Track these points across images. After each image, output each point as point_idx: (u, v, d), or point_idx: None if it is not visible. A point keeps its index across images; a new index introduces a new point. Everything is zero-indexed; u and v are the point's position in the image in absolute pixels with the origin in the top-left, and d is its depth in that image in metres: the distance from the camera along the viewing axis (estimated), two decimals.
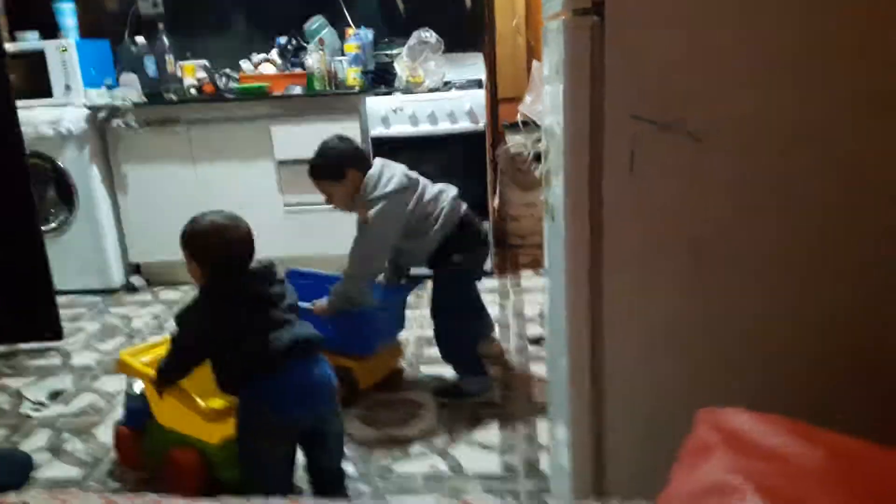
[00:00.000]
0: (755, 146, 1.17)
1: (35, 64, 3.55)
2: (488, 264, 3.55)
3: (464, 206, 2.35)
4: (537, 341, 2.77)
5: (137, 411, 2.07)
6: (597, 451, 1.35)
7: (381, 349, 2.46)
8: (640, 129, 1.17)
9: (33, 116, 3.40)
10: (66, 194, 3.61)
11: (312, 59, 3.51)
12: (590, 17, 1.19)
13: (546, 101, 1.60)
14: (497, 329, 2.93)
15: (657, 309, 1.24)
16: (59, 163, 3.55)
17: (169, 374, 1.80)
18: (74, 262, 3.62)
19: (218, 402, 1.83)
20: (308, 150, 3.39)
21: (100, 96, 3.56)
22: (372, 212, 2.20)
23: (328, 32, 3.70)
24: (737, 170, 1.18)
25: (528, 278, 3.58)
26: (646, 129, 1.17)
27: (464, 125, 3.38)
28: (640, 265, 1.23)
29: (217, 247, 1.72)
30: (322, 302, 2.27)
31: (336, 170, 2.24)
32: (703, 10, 1.15)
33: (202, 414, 1.81)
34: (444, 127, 3.40)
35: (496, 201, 3.83)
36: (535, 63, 2.54)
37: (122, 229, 3.75)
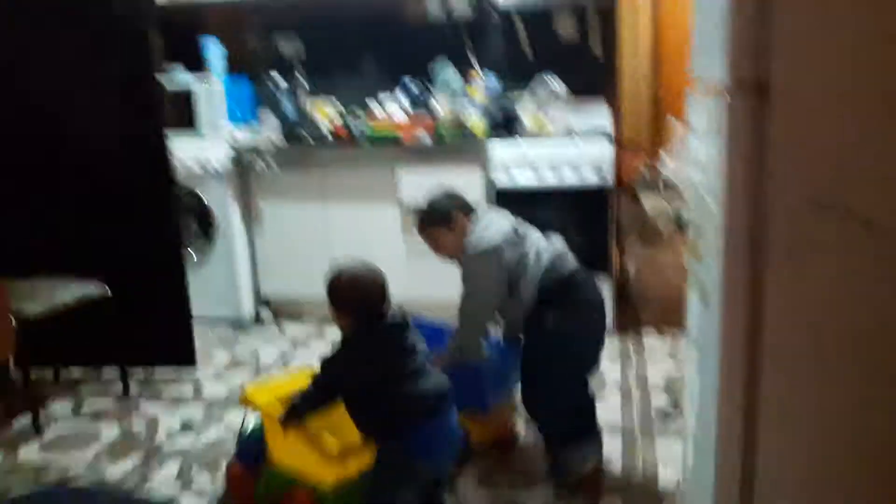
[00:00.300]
0: None
1: (182, 98, 3.74)
2: (608, 321, 3.46)
3: (571, 266, 2.22)
4: (664, 414, 2.65)
5: (250, 449, 2.13)
6: None
7: (495, 406, 2.40)
8: (806, 213, 1.11)
9: (181, 151, 3.59)
10: (207, 227, 3.84)
11: (440, 105, 3.59)
12: (752, 93, 1.14)
13: (694, 169, 1.56)
14: (619, 396, 2.84)
15: (818, 405, 1.17)
16: (203, 198, 3.78)
17: (303, 410, 1.86)
18: (209, 292, 3.83)
19: (338, 443, 1.87)
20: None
21: (243, 136, 3.77)
22: (471, 261, 2.17)
23: (453, 75, 3.78)
24: None
25: (651, 339, 3.46)
26: (813, 212, 1.11)
27: (587, 176, 3.35)
28: (800, 356, 1.16)
29: (360, 298, 1.81)
30: (440, 354, 2.20)
31: (446, 216, 2.25)
32: (874, 91, 1.08)
33: (329, 453, 1.85)
34: (568, 176, 3.37)
35: (620, 256, 3.75)
36: (675, 122, 2.48)
37: (255, 263, 3.95)
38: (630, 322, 3.71)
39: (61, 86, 3.03)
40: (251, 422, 2.18)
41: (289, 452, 2.00)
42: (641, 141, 4.44)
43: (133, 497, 1.11)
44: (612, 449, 2.42)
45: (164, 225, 3.11)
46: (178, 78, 3.81)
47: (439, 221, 2.27)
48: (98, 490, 1.31)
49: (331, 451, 1.86)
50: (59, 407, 2.95)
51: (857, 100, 1.09)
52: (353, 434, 1.89)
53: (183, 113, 3.74)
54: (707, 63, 1.31)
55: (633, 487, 2.18)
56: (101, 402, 2.99)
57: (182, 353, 3.24)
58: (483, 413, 2.33)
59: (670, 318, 3.71)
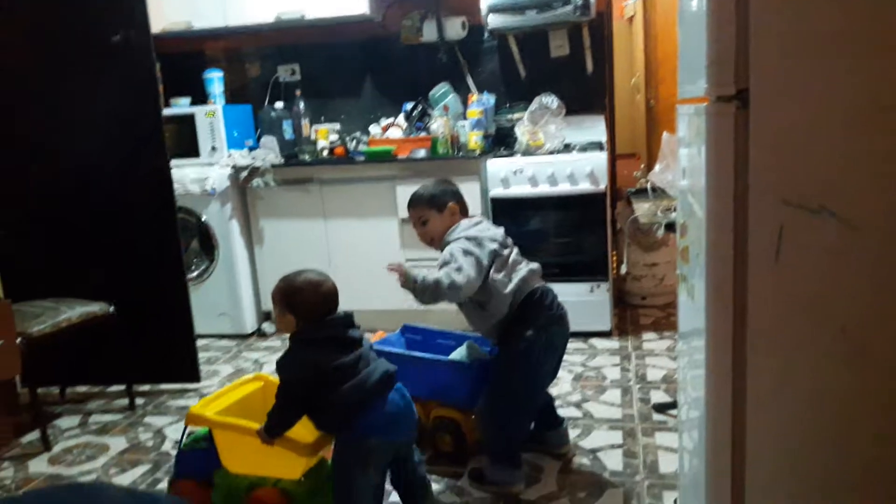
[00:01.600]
0: None
1: (185, 127, 3.91)
2: (607, 324, 3.56)
3: (537, 284, 2.24)
4: (662, 408, 2.72)
5: (193, 463, 2.17)
6: None
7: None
8: (788, 215, 1.19)
9: (182, 175, 3.73)
10: (208, 246, 3.91)
11: (437, 124, 3.69)
12: (732, 104, 1.22)
13: (682, 175, 1.63)
14: (618, 393, 2.92)
15: (802, 393, 1.23)
16: (203, 217, 3.86)
17: (282, 425, 1.94)
18: (211, 309, 3.90)
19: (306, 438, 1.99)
20: None
21: (242, 157, 3.86)
22: (452, 247, 2.17)
23: (452, 98, 3.88)
24: (891, 257, 1.17)
25: (649, 340, 3.54)
26: (794, 214, 1.18)
27: (584, 186, 3.43)
28: (785, 349, 1.23)
29: (313, 300, 1.94)
30: (404, 268, 2.13)
31: (441, 201, 2.29)
32: (854, 96, 1.16)
33: (301, 450, 1.96)
34: (564, 188, 3.46)
35: (617, 261, 3.83)
36: (665, 135, 2.57)
37: (256, 279, 4.02)
38: (629, 323, 3.79)
39: (69, 117, 3.12)
40: (188, 438, 2.23)
41: (244, 458, 2.08)
42: (635, 150, 4.54)
43: (139, 492, 1.15)
44: (612, 442, 2.51)
45: (167, 245, 3.17)
46: (181, 109, 3.98)
47: (433, 203, 2.29)
48: (102, 486, 1.36)
49: (305, 445, 1.96)
50: (67, 422, 3.00)
51: (834, 107, 1.17)
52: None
53: (186, 140, 3.90)
54: (692, 76, 1.39)
55: (633, 479, 2.25)
56: (108, 416, 3.04)
57: (186, 370, 3.29)
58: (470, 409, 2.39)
59: (668, 319, 3.80)
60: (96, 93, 3.07)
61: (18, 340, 2.57)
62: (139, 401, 3.15)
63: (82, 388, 3.36)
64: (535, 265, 2.29)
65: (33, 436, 2.82)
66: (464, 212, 2.35)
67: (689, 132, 1.46)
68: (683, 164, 1.60)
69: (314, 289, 1.94)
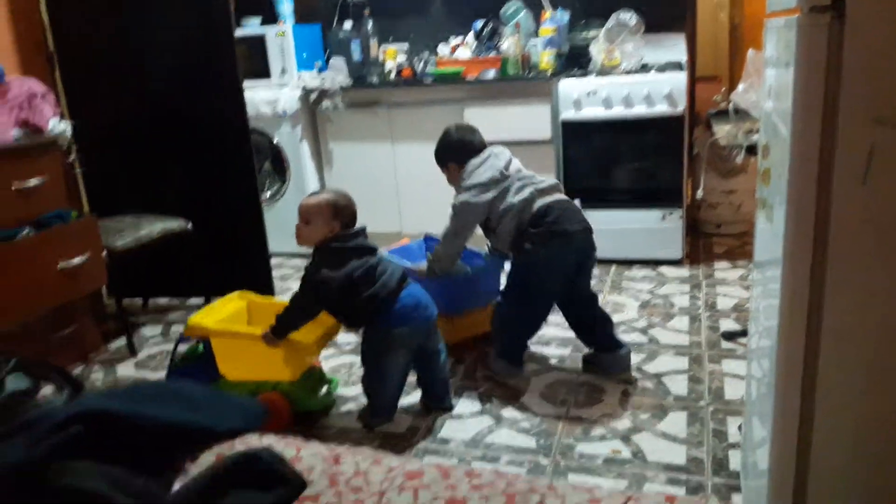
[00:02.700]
0: None
1: (256, 48, 3.92)
2: (678, 252, 3.48)
3: (543, 201, 2.38)
4: (731, 336, 2.67)
5: (189, 373, 2.31)
6: (800, 456, 1.30)
7: (469, 312, 2.75)
8: (880, 136, 1.11)
9: (254, 96, 3.76)
10: (280, 168, 3.98)
11: (507, 43, 3.58)
12: (827, 15, 1.13)
13: (767, 94, 1.54)
14: (686, 320, 2.88)
15: (881, 322, 1.18)
16: (275, 139, 3.91)
17: (290, 326, 2.15)
18: (284, 228, 3.98)
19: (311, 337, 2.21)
20: (498, 133, 3.50)
21: (312, 79, 3.86)
22: (455, 200, 2.47)
23: (525, 16, 3.74)
24: None
25: (722, 269, 3.45)
26: (887, 135, 1.10)
27: (661, 109, 3.30)
28: (866, 276, 1.17)
29: (354, 210, 2.19)
30: (421, 265, 2.63)
31: (439, 159, 2.60)
32: None
33: (307, 349, 2.20)
34: (640, 110, 3.33)
35: (692, 187, 3.71)
36: (750, 51, 2.42)
37: None
38: (702, 252, 3.70)
39: (147, 39, 3.17)
40: (182, 351, 2.39)
41: (245, 365, 2.24)
42: (718, 71, 4.30)
43: (216, 391, 1.21)
44: (678, 368, 2.49)
45: (241, 165, 3.24)
46: (251, 29, 3.97)
47: (440, 162, 2.61)
48: (186, 384, 1.45)
49: (309, 344, 2.18)
50: (149, 330, 3.18)
51: None
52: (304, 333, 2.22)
53: (257, 61, 3.92)
54: None
55: (697, 404, 2.24)
56: None
57: (261, 284, 3.41)
58: (456, 317, 2.71)
59: (743, 248, 3.69)
60: (172, 14, 3.10)
61: (104, 253, 2.71)
62: None
63: (163, 300, 3.54)
64: (544, 184, 2.44)
65: (120, 342, 3.01)
66: (464, 157, 2.51)
67: (777, 47, 1.37)
68: (770, 83, 1.50)
69: (350, 201, 2.19)
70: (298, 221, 2.18)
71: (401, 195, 3.87)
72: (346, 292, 2.10)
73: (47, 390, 1.39)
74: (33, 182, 2.52)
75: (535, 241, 2.35)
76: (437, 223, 3.71)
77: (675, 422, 2.17)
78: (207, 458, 1.07)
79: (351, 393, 2.46)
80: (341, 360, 2.74)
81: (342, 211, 2.15)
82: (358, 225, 2.20)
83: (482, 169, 2.46)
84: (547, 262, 2.37)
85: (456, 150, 2.55)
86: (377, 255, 2.18)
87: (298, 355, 2.24)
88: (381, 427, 2.26)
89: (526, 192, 2.39)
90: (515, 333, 2.55)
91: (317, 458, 1.11)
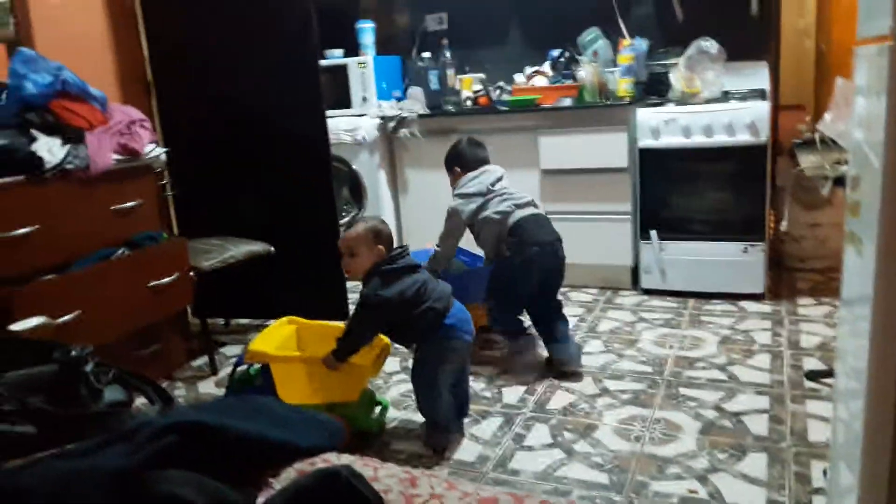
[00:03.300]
0: None
1: (338, 78, 4.06)
2: (760, 286, 3.37)
3: (520, 214, 2.75)
4: (815, 376, 2.56)
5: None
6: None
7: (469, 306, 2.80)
8: None
9: (335, 124, 3.87)
10: (357, 193, 4.09)
11: (585, 71, 3.58)
12: None
13: (857, 124, 1.50)
14: (768, 358, 2.78)
15: None
16: (354, 166, 4.02)
17: (351, 349, 2.23)
18: None
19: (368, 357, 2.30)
20: (572, 161, 3.49)
21: (390, 108, 3.96)
22: (449, 207, 2.86)
23: (602, 44, 3.74)
24: None
25: (806, 306, 3.32)
26: None
27: (743, 138, 3.23)
28: None
29: (390, 233, 2.30)
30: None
31: (447, 163, 3.00)
32: None
33: (367, 371, 2.29)
34: (721, 139, 3.27)
35: (775, 220, 3.60)
36: (839, 80, 2.35)
37: (400, 227, 4.16)
38: (784, 287, 3.57)
39: (236, 70, 3.32)
40: (240, 373, 2.47)
41: (303, 389, 2.30)
42: (802, 100, 4.18)
43: (301, 409, 1.25)
44: (758, 407, 2.41)
45: (321, 191, 3.34)
46: (334, 58, 4.13)
47: (447, 166, 3.00)
48: (271, 400, 1.50)
49: (369, 367, 2.28)
50: (231, 350, 3.30)
51: None
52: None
53: (338, 90, 4.06)
54: (874, 12, 1.25)
55: (778, 445, 2.15)
56: None
57: (336, 308, 3.49)
58: None
59: (828, 284, 3.54)
60: (260, 45, 3.24)
61: (191, 274, 2.83)
62: None
63: (243, 321, 3.66)
64: (522, 200, 2.81)
65: (202, 360, 3.13)
66: (469, 165, 2.90)
67: (868, 76, 1.33)
68: (860, 112, 1.46)
69: (385, 225, 2.32)
70: (344, 257, 2.28)
71: None
72: (403, 310, 2.19)
73: (140, 402, 1.46)
74: (129, 204, 2.67)
75: (511, 248, 2.74)
76: None
77: (755, 463, 2.09)
78: (289, 474, 1.11)
79: (416, 417, 2.46)
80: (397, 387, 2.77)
81: (382, 235, 2.26)
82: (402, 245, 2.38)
83: (472, 183, 2.85)
84: (521, 266, 2.73)
85: (459, 159, 2.95)
86: (421, 271, 2.27)
87: (357, 377, 2.32)
88: (451, 452, 2.27)
89: (505, 206, 2.77)
90: (503, 318, 2.93)
91: (394, 479, 1.13)
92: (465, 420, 2.43)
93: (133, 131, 2.66)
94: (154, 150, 2.79)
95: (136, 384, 1.42)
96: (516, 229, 2.74)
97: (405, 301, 2.18)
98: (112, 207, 2.62)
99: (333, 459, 1.20)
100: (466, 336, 2.28)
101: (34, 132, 2.40)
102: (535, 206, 2.85)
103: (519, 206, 2.78)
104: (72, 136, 2.47)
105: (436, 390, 2.27)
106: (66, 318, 2.27)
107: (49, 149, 2.38)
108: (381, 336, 2.34)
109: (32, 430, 1.21)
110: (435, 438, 2.31)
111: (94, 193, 2.53)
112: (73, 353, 1.32)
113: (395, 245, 2.31)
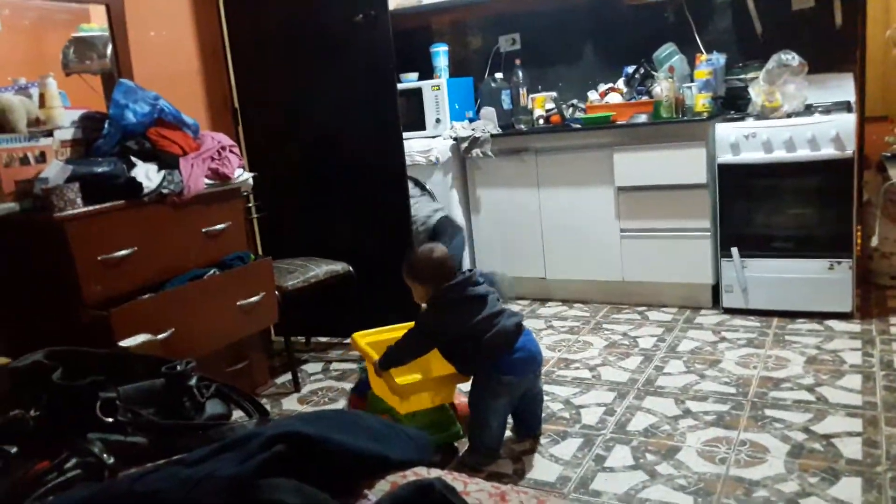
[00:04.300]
0: None
1: (413, 101, 4.15)
2: (847, 304, 3.25)
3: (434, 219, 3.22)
4: None
5: (364, 383, 2.62)
6: None
7: None
8: None
9: (410, 146, 3.94)
10: None
11: (661, 87, 3.55)
12: None
13: None
14: (859, 379, 2.67)
15: None
16: (428, 186, 4.08)
17: (397, 360, 2.29)
18: None
19: (407, 380, 2.36)
20: (648, 177, 3.43)
21: (463, 129, 4.02)
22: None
23: (678, 60, 3.70)
24: None
25: None
26: None
27: (827, 152, 3.13)
28: None
29: (431, 264, 2.29)
30: None
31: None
32: None
33: (395, 390, 2.28)
34: (804, 154, 3.18)
35: (862, 235, 3.47)
36: None
37: (473, 246, 4.19)
38: (875, 305, 3.42)
39: (317, 95, 3.44)
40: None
41: (379, 386, 2.41)
42: (890, 111, 4.03)
43: (390, 423, 1.28)
44: (850, 430, 2.33)
45: (398, 213, 3.41)
46: (409, 82, 4.23)
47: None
48: (361, 413, 1.56)
49: (399, 387, 2.27)
50: (312, 367, 3.39)
51: None
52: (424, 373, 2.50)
53: (412, 112, 4.15)
54: None
55: (873, 470, 2.06)
56: (346, 364, 3.39)
57: None
58: None
59: None
60: (341, 73, 3.35)
61: (276, 293, 2.94)
62: None
63: (323, 339, 3.75)
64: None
65: (285, 377, 3.23)
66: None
67: None
68: None
69: (427, 255, 2.31)
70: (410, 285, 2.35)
71: (545, 240, 3.91)
72: (460, 340, 2.22)
73: (237, 415, 1.53)
74: (219, 226, 2.80)
75: None
76: (580, 269, 3.72)
77: (849, 487, 2.01)
78: (383, 486, 1.15)
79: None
80: None
81: (440, 264, 2.28)
82: (471, 270, 2.33)
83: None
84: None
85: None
86: (488, 301, 2.25)
87: (395, 390, 2.34)
88: (529, 472, 2.26)
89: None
90: None
91: (483, 493, 1.15)
92: (544, 440, 2.43)
93: (224, 157, 2.80)
94: (242, 175, 2.92)
95: (235, 398, 1.49)
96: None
97: (457, 334, 2.22)
98: (203, 229, 2.75)
99: (424, 473, 1.23)
100: (527, 373, 2.28)
101: (133, 159, 2.56)
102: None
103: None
104: (167, 161, 2.62)
105: (484, 421, 2.30)
106: (161, 335, 2.39)
107: (146, 174, 2.53)
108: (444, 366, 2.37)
109: (143, 441, 1.29)
110: (473, 458, 2.34)
111: (187, 216, 2.67)
112: (179, 367, 1.40)
113: (459, 270, 2.33)
